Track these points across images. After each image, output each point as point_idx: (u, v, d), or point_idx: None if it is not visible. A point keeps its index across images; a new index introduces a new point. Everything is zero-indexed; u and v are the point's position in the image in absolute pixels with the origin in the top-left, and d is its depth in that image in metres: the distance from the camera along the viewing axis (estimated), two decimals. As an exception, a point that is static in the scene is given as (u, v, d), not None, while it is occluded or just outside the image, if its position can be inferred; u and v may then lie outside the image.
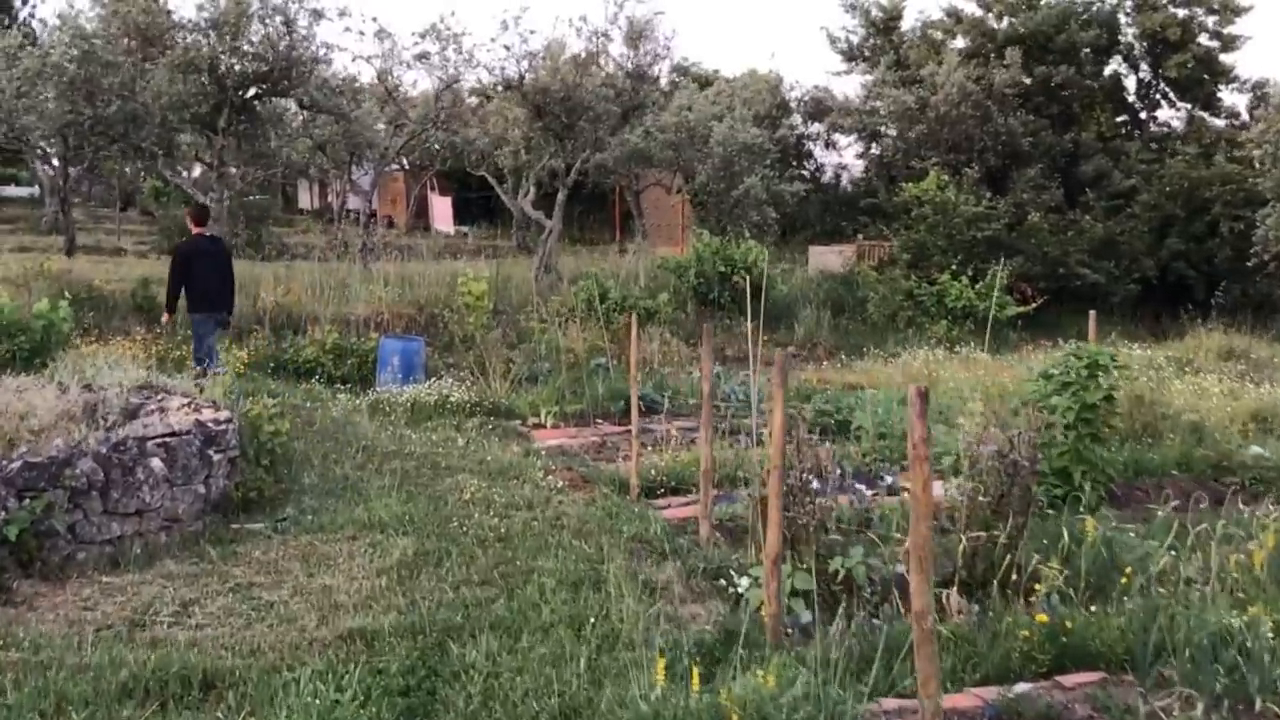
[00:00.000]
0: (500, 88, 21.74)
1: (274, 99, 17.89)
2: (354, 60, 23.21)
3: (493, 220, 39.49)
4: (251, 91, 16.96)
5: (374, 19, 24.91)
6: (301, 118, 21.64)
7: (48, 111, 15.83)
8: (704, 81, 36.18)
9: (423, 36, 23.59)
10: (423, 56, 24.10)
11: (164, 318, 12.27)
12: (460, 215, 41.20)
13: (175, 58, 15.71)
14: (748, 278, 22.46)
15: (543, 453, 11.18)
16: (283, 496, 8.63)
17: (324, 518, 8.04)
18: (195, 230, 12.84)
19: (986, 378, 15.58)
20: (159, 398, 9.34)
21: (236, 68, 16.23)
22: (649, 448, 11.40)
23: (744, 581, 6.61)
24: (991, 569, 6.54)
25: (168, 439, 7.83)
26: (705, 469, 7.90)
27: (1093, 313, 13.89)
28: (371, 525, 7.85)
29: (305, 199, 47.70)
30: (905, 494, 9.27)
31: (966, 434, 11.84)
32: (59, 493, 7.00)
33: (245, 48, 16.70)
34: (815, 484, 6.90)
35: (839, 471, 7.64)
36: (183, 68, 15.70)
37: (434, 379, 14.46)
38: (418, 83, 26.51)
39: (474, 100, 34.30)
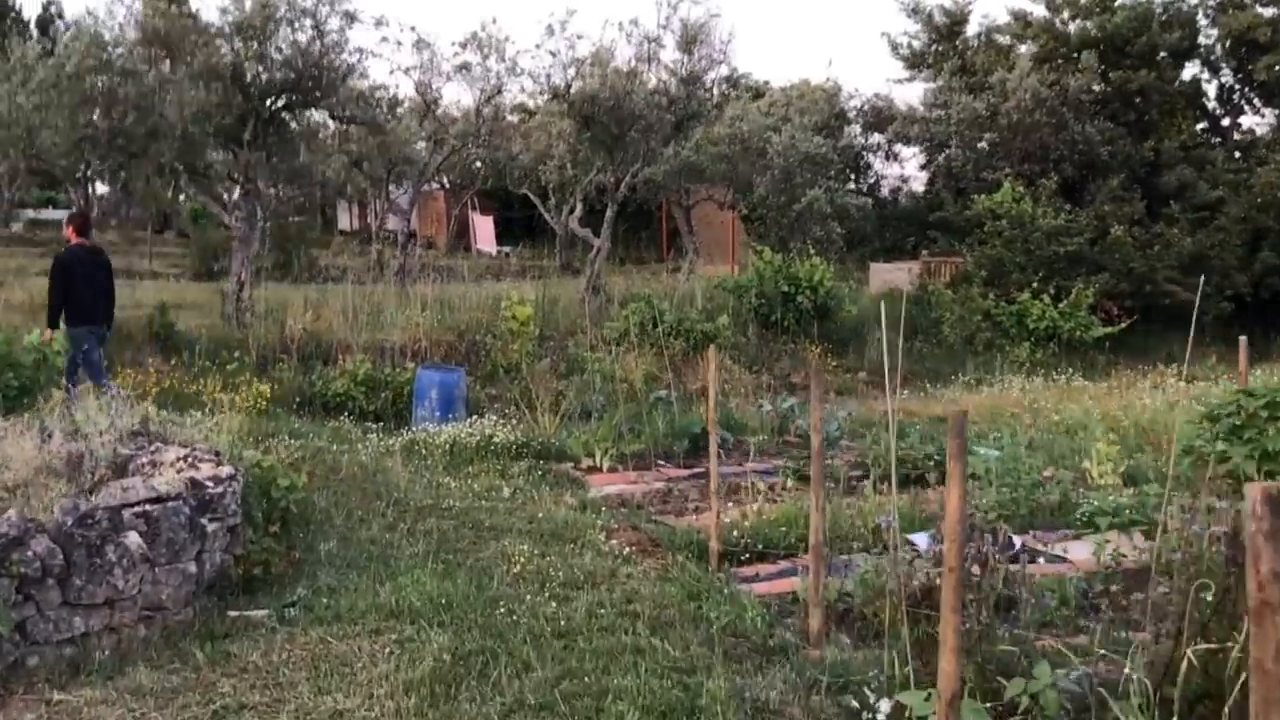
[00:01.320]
0: (545, 97, 20.28)
1: (304, 111, 16.53)
2: (391, 73, 21.56)
3: (536, 240, 38.13)
4: (280, 102, 15.58)
5: (412, 28, 23.52)
6: (335, 131, 20.28)
7: (61, 126, 14.52)
8: (756, 93, 34.62)
9: (463, 46, 22.32)
10: (464, 67, 22.80)
11: (44, 334, 11.04)
12: (502, 235, 39.92)
13: (197, 65, 14.37)
14: (813, 298, 20.96)
15: (601, 505, 9.61)
16: (295, 571, 7.11)
17: (342, 601, 6.50)
18: (75, 240, 11.80)
19: (1097, 409, 13.84)
20: (153, 448, 7.86)
21: (263, 76, 14.87)
22: (723, 497, 9.82)
23: (883, 706, 4.99)
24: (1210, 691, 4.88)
25: (150, 506, 6.33)
26: (816, 543, 6.28)
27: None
28: (399, 613, 6.30)
29: (345, 220, 46.60)
30: (1066, 567, 7.69)
31: (1098, 479, 10.16)
32: (4, 582, 5.51)
33: (273, 54, 15.35)
34: (977, 571, 5.29)
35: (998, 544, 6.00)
36: (205, 76, 14.36)
37: (475, 415, 12.95)
38: (460, 100, 25.05)
39: (516, 118, 33.07)
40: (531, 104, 35.75)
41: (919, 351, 22.45)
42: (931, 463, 11.09)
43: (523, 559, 7.41)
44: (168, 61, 14.71)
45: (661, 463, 11.96)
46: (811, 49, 78.18)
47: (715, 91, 21.29)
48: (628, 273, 24.85)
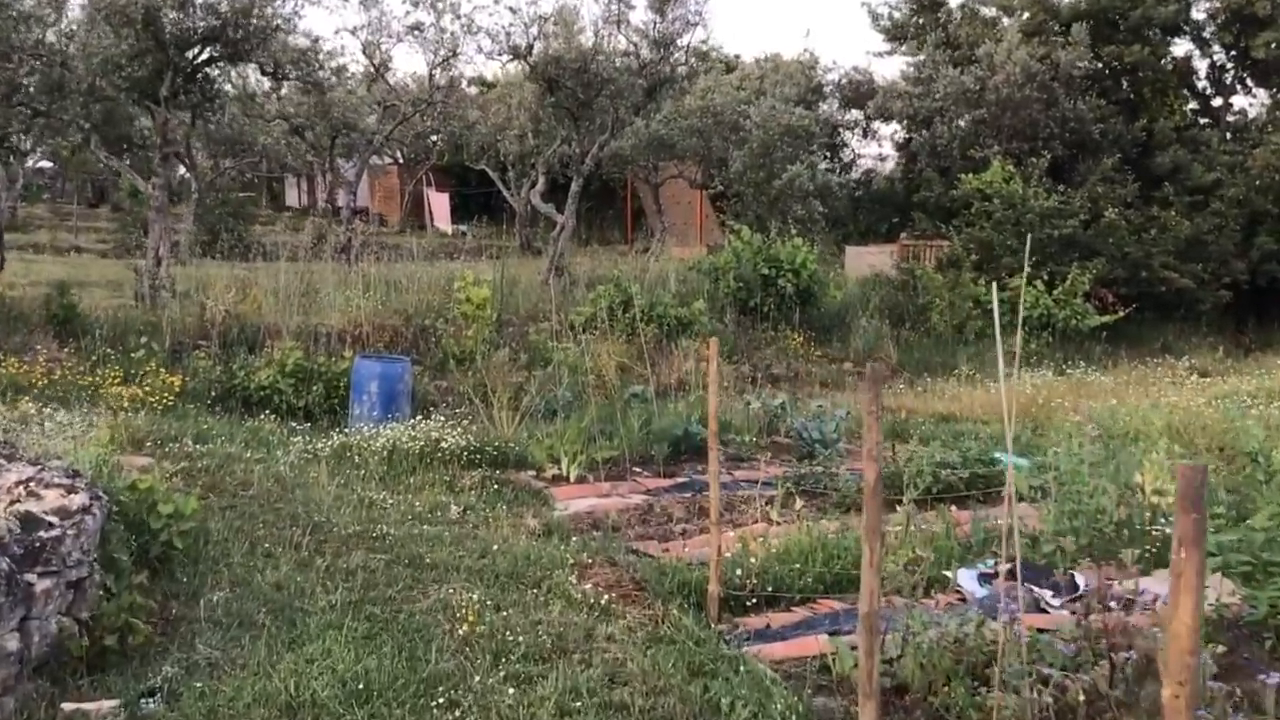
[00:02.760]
0: (505, 59, 18.48)
1: (232, 66, 14.60)
2: (337, 33, 19.69)
3: (494, 218, 36.25)
4: (203, 55, 13.62)
5: (359, -19, 21.32)
6: (272, 92, 18.31)
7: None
8: (727, 67, 32.92)
9: (415, 4, 20.45)
10: (416, 28, 20.97)
11: None
12: (459, 213, 37.99)
13: (103, 7, 12.41)
14: (795, 282, 19.32)
15: (570, 529, 7.93)
16: (167, 636, 5.36)
17: (223, 686, 4.76)
18: None
19: (1119, 406, 12.31)
20: (-8, 466, 6.06)
21: (183, 24, 12.93)
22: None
23: None
24: None
25: (-53, 559, 4.57)
26: (869, 613, 4.59)
27: None
28: (298, 707, 4.58)
29: (293, 197, 44.43)
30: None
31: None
32: None
33: (193, -2, 13.42)
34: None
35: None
36: (113, 20, 12.43)
37: (422, 413, 11.23)
38: (416, 71, 23.07)
39: (474, 90, 31.18)
40: (490, 75, 33.96)
41: (906, 340, 20.92)
42: (955, 474, 9.49)
43: (472, 614, 5.69)
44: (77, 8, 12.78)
45: (638, 470, 10.30)
46: (785, 20, 75.99)
47: (689, 57, 19.49)
48: (592, 253, 23.08)
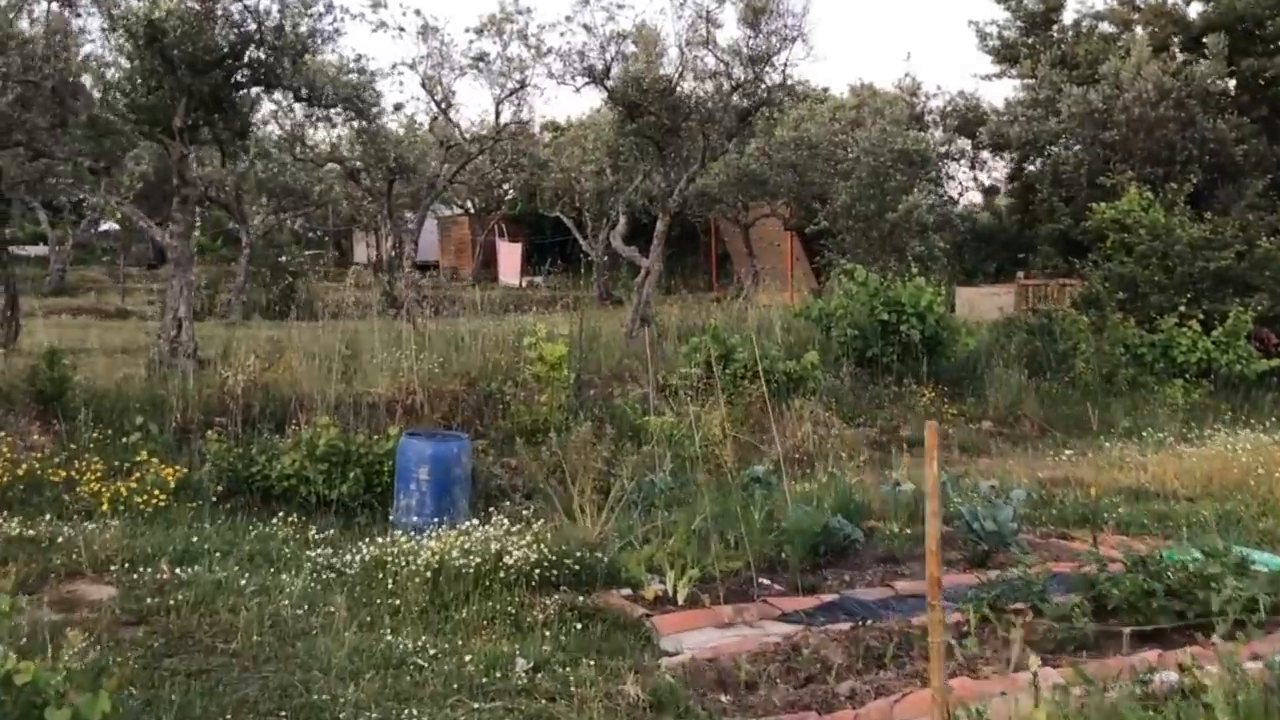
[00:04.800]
0: (578, 82, 16.24)
1: (263, 90, 12.49)
2: (394, 67, 17.75)
3: (569, 268, 34.19)
4: (224, 78, 11.52)
5: (417, 11, 19.40)
6: (316, 122, 16.29)
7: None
8: (816, 99, 30.59)
9: (479, 33, 18.37)
10: (480, 59, 18.84)
11: None
12: (532, 264, 36.01)
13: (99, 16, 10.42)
14: (921, 328, 16.71)
15: (688, 697, 5.43)
16: None
17: None
18: None
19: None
20: None
21: (194, 39, 10.83)
22: (887, 662, 5.76)
23: None
24: None
25: None
26: None
27: None
28: None
29: (361, 252, 42.79)
30: None
31: None
32: None
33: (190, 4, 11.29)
34: None
35: None
36: (111, 31, 10.45)
37: (484, 504, 8.88)
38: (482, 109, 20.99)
39: (546, 136, 29.29)
40: (561, 118, 32.09)
41: (1047, 393, 18.10)
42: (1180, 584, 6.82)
43: None
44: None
45: (766, 583, 7.80)
46: (877, 49, 73.09)
47: (786, 76, 17.12)
48: (679, 302, 20.67)
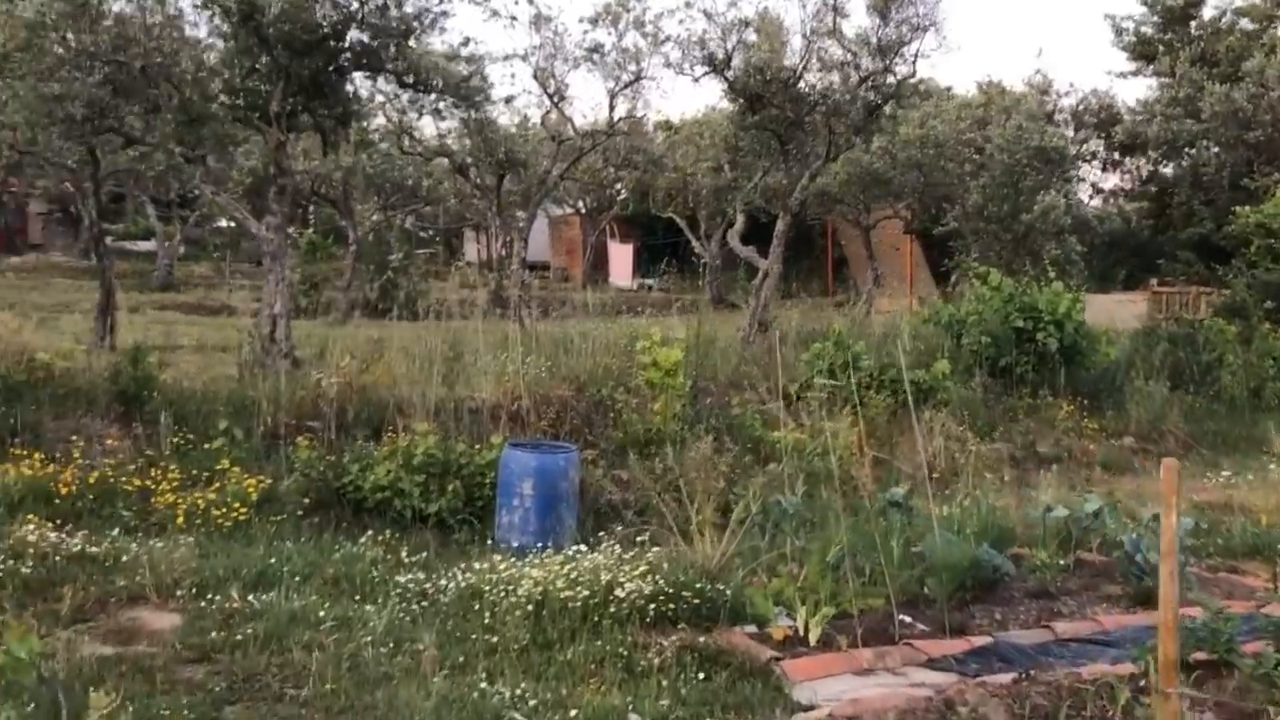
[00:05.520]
0: (697, 71, 15.37)
1: (367, 74, 11.86)
2: (506, 59, 17.19)
3: (681, 270, 33.33)
4: (325, 62, 10.91)
5: (530, 0, 18.68)
6: (418, 110, 15.67)
7: (25, 97, 10.28)
8: (942, 97, 29.28)
9: (594, 23, 17.65)
10: (595, 50, 18.12)
11: None
12: (644, 266, 35.26)
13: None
14: (1059, 336, 15.46)
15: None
16: None
17: None
18: None
19: None
20: None
21: (294, 17, 10.23)
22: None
23: None
24: None
25: None
26: None
27: None
28: None
29: (472, 251, 42.54)
30: None
31: None
32: None
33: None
34: None
35: None
36: (207, 8, 9.92)
37: (592, 524, 8.06)
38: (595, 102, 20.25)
39: (659, 136, 28.53)
40: (675, 118, 31.31)
41: (1189, 407, 16.65)
42: None
43: None
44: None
45: (908, 621, 6.80)
46: (1003, 47, 70.64)
47: (918, 66, 16.02)
48: (798, 306, 19.63)
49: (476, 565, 6.68)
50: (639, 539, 7.42)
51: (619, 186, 33.35)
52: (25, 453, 8.00)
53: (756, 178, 18.41)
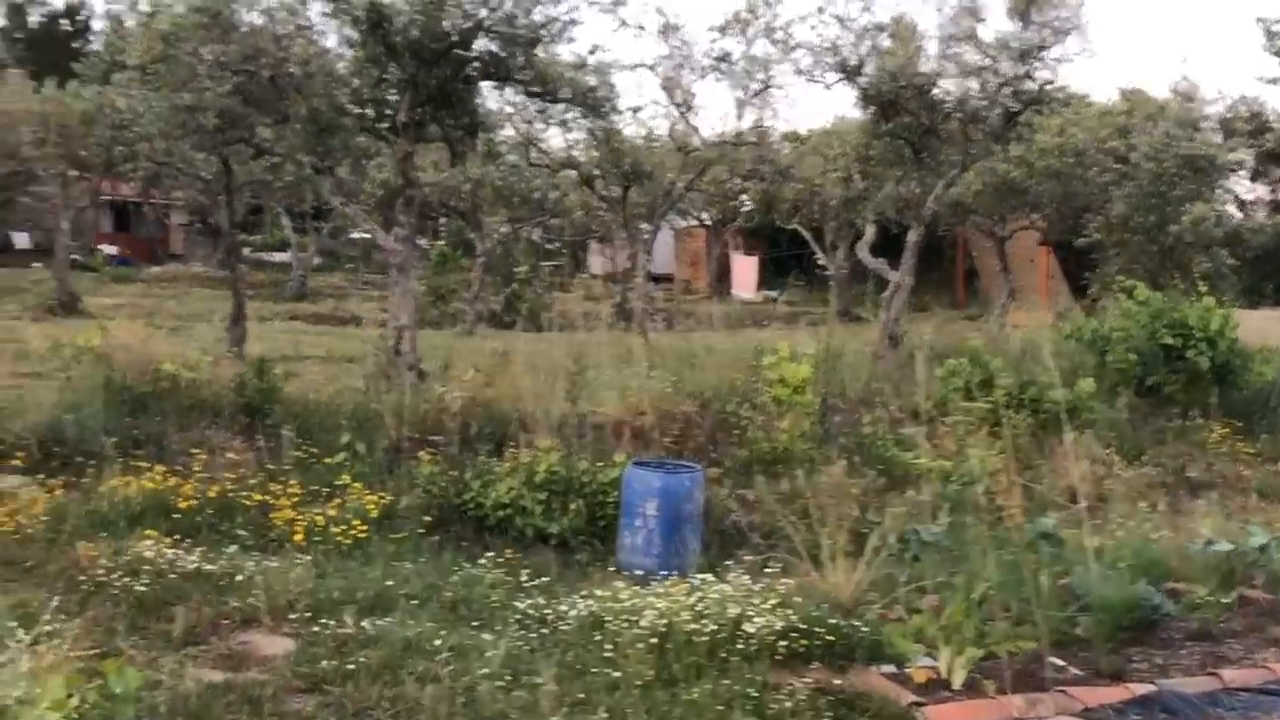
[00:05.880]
0: (829, 78, 14.93)
1: (496, 83, 11.75)
2: (634, 69, 17.06)
3: (807, 282, 32.76)
4: (453, 71, 10.82)
5: (658, 9, 18.51)
6: (543, 120, 15.58)
7: (159, 108, 10.45)
8: (1081, 104, 28.13)
9: (722, 31, 17.36)
10: (723, 59, 17.83)
11: None
12: (767, 278, 34.82)
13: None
14: (1210, 354, 14.57)
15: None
16: None
17: None
18: None
19: None
20: None
21: (424, 26, 10.17)
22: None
23: None
24: None
25: None
26: None
27: None
28: None
29: (597, 263, 42.59)
30: None
31: None
32: None
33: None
34: None
35: None
36: (335, 16, 9.91)
37: (718, 548, 7.74)
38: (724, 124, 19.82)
39: (787, 148, 28.05)
40: (802, 130, 30.84)
41: (1359, 436, 15.50)
42: None
43: None
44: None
45: (1059, 664, 6.27)
46: (1145, 54, 67.98)
47: (1060, 71, 15.31)
48: (930, 320, 18.98)
49: (598, 592, 6.39)
50: (767, 567, 7.05)
51: (744, 198, 32.97)
52: (148, 465, 8.03)
53: (888, 187, 17.85)
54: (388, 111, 11.30)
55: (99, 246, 38.90)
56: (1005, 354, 14.27)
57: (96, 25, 50.28)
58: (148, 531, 6.88)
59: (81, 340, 10.18)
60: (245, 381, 9.47)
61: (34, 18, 59.70)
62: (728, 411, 11.11)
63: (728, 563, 7.15)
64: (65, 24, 56.19)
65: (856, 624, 6.23)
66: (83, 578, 6.15)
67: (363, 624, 5.74)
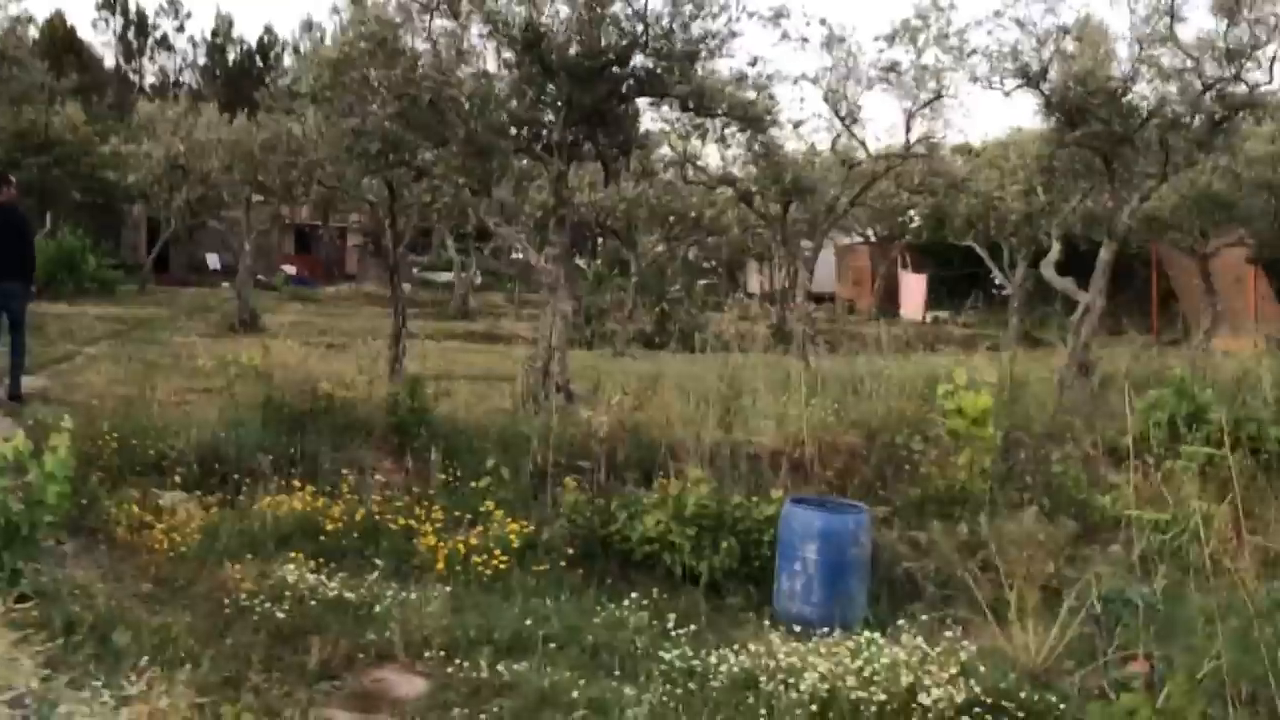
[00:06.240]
0: (1008, 85, 13.87)
1: (653, 99, 11.23)
2: (796, 82, 16.39)
3: (980, 302, 31.25)
4: (609, 89, 10.35)
5: (822, 20, 17.79)
6: (699, 135, 15.02)
7: (326, 132, 10.40)
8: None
9: (890, 40, 16.56)
10: (890, 69, 17.01)
11: None
12: (937, 298, 33.45)
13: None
14: None
15: None
16: None
17: None
18: None
19: None
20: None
21: (580, 43, 9.73)
22: None
23: None
24: None
25: None
26: None
27: None
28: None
29: (754, 282, 41.82)
30: None
31: None
32: None
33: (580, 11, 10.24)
34: None
35: None
36: (493, 35, 9.56)
37: (887, 598, 6.95)
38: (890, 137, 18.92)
39: (959, 160, 26.88)
40: (976, 141, 29.56)
41: None
42: None
43: None
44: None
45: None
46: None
47: (1275, 72, 13.85)
48: (1119, 345, 17.54)
49: (752, 645, 5.71)
50: (943, 626, 6.23)
51: (912, 213, 31.80)
52: (300, 484, 7.85)
53: (1074, 200, 16.60)
54: (543, 131, 10.93)
55: (281, 267, 40.38)
56: (1215, 385, 12.93)
57: (287, 61, 52.92)
58: (293, 554, 6.70)
59: (244, 358, 10.16)
60: (398, 401, 9.17)
61: (232, 55, 63.41)
62: (896, 444, 10.23)
63: (899, 619, 6.38)
64: (259, 60, 59.49)
65: (1052, 699, 5.38)
66: (226, 601, 6.00)
67: (498, 667, 5.26)
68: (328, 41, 12.56)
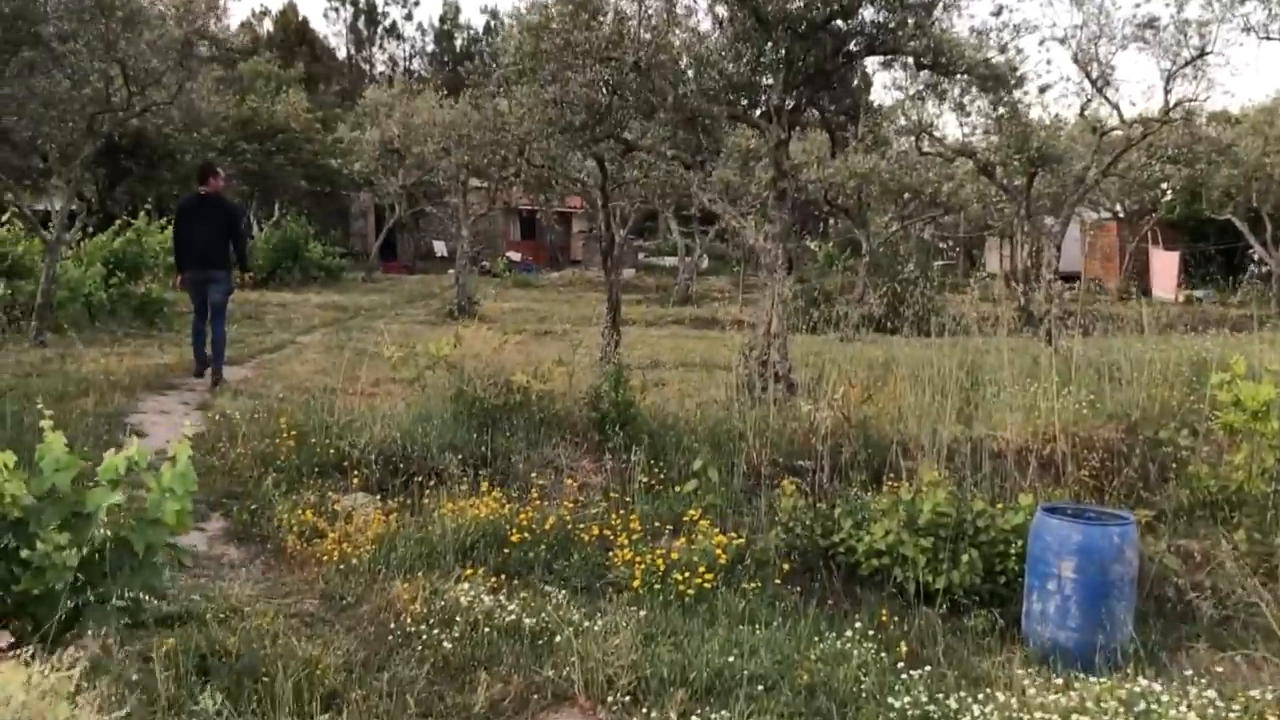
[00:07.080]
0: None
1: (884, 59, 10.30)
2: (1042, 43, 14.99)
3: (1240, 280, 28.57)
4: (831, 47, 9.49)
5: (1072, -27, 16.34)
6: (933, 99, 13.88)
7: (529, 106, 10.01)
8: None
9: (1148, -4, 14.97)
10: (1148, 26, 15.42)
11: (175, 280, 12.61)
12: (1192, 276, 30.80)
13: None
14: None
15: None
16: None
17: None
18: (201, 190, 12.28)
19: None
20: None
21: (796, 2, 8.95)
22: None
23: None
24: None
25: None
26: None
27: None
28: None
29: (994, 261, 39.66)
30: None
31: None
32: None
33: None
34: None
35: None
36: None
37: (1156, 624, 5.97)
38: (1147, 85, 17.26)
39: (1214, 131, 24.55)
40: (1237, 108, 27.09)
41: None
42: None
43: None
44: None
45: None
46: None
47: None
48: None
49: (1000, 695, 4.86)
50: (1232, 664, 5.22)
51: (1164, 186, 29.36)
52: (488, 488, 7.33)
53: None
54: (760, 96, 10.17)
55: (507, 253, 41.11)
56: None
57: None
58: (473, 570, 6.15)
59: (434, 348, 9.75)
60: (601, 394, 8.62)
61: (460, 40, 65.22)
62: (1160, 440, 9.03)
63: (1170, 646, 5.40)
64: (485, 44, 60.87)
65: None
66: (393, 624, 5.45)
67: (693, 717, 4.57)
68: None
